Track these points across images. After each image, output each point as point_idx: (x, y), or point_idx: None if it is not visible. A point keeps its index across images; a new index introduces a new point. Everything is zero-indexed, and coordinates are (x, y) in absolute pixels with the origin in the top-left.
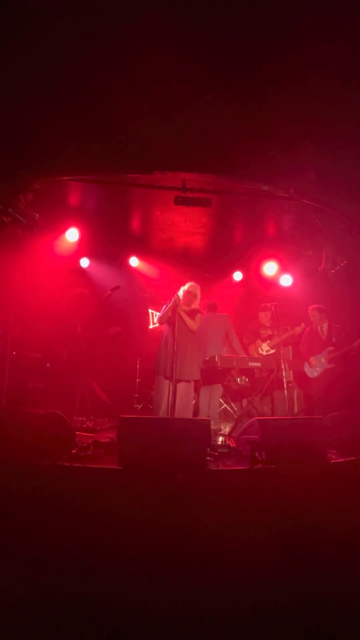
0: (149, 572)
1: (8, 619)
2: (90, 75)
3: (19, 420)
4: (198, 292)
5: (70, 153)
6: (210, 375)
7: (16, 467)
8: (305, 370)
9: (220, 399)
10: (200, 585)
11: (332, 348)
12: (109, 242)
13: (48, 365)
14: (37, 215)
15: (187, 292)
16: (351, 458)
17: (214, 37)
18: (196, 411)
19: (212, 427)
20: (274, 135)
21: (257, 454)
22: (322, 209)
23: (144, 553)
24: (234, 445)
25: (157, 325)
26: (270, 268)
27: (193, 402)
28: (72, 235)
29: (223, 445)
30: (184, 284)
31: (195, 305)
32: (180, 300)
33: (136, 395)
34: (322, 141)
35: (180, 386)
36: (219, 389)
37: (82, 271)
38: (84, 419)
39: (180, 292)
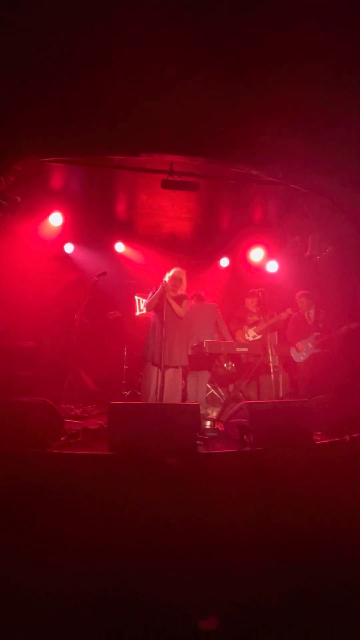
0: (141, 558)
1: (4, 611)
2: (76, 55)
3: (7, 409)
4: (184, 277)
5: (54, 133)
6: (198, 361)
7: (5, 456)
8: (292, 354)
9: (208, 384)
10: (194, 569)
11: (318, 333)
12: (94, 227)
13: (48, 347)
14: (19, 199)
15: (172, 278)
16: (335, 439)
17: (203, 17)
18: (184, 397)
19: (200, 411)
20: (262, 118)
21: (245, 437)
22: (309, 194)
23: (136, 538)
24: (223, 429)
25: (144, 312)
26: (256, 254)
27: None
28: (55, 219)
29: (212, 429)
30: (169, 270)
31: (182, 290)
32: (168, 286)
33: (124, 382)
34: (311, 124)
35: (169, 372)
36: (206, 374)
37: (67, 257)
38: (72, 406)
39: (166, 278)
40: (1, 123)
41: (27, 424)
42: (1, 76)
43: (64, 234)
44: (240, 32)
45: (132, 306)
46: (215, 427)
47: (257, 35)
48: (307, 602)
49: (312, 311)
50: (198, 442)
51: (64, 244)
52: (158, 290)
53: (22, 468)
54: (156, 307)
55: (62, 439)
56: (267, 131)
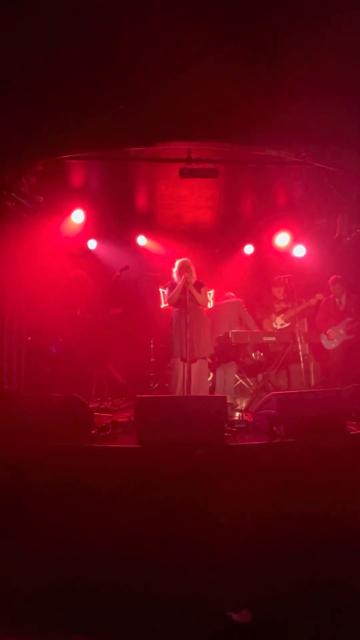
0: (169, 549)
1: (25, 597)
2: (87, 47)
3: (38, 405)
4: (190, 264)
5: (70, 130)
6: (225, 352)
7: (37, 450)
8: (322, 342)
9: (236, 375)
10: (223, 562)
11: (350, 319)
12: (115, 222)
13: (54, 350)
14: (41, 199)
15: (180, 269)
16: None
17: None
18: (212, 390)
19: (228, 401)
20: (282, 95)
21: (275, 428)
22: (335, 173)
23: (165, 529)
24: (252, 420)
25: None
26: (282, 239)
27: (209, 379)
28: (77, 217)
29: (240, 421)
30: (182, 264)
31: (194, 278)
32: (190, 278)
33: (152, 374)
34: (334, 97)
35: (195, 364)
36: (233, 366)
37: (90, 253)
38: (102, 400)
39: (175, 269)
40: (18, 125)
41: (57, 419)
42: (15, 77)
43: (87, 231)
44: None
45: (157, 299)
46: (244, 419)
47: (273, 4)
48: (343, 595)
49: (343, 296)
50: (226, 434)
51: (86, 241)
52: (180, 284)
53: (54, 461)
54: (178, 301)
55: (93, 432)
56: (287, 108)
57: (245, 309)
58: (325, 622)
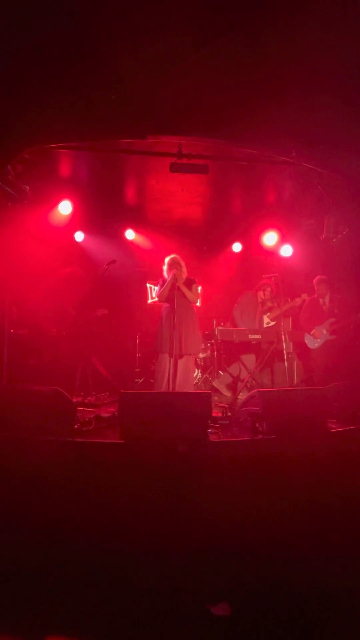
0: (151, 543)
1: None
2: (79, 33)
3: (20, 397)
4: (179, 260)
5: (60, 118)
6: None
7: (19, 443)
8: (306, 341)
9: (220, 372)
10: (203, 556)
11: (334, 319)
12: (103, 215)
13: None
14: (28, 188)
15: (169, 266)
16: (351, 427)
17: None
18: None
19: (226, 393)
20: (275, 94)
21: (257, 425)
22: (324, 174)
23: (147, 524)
24: (235, 417)
25: (156, 299)
26: (270, 238)
27: (196, 376)
28: (65, 208)
29: (224, 417)
30: (164, 261)
31: (185, 274)
32: (180, 275)
33: (137, 369)
34: (328, 98)
35: (182, 360)
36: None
37: (77, 246)
38: (86, 394)
39: (165, 266)
40: (5, 111)
41: (39, 412)
42: (2, 62)
43: (74, 223)
44: None
45: (143, 294)
46: (228, 415)
47: None
48: (322, 593)
49: (327, 297)
50: (209, 430)
51: (74, 233)
52: (169, 281)
53: (35, 455)
54: (168, 297)
55: (75, 426)
56: (279, 107)
57: (235, 305)
58: (302, 618)
